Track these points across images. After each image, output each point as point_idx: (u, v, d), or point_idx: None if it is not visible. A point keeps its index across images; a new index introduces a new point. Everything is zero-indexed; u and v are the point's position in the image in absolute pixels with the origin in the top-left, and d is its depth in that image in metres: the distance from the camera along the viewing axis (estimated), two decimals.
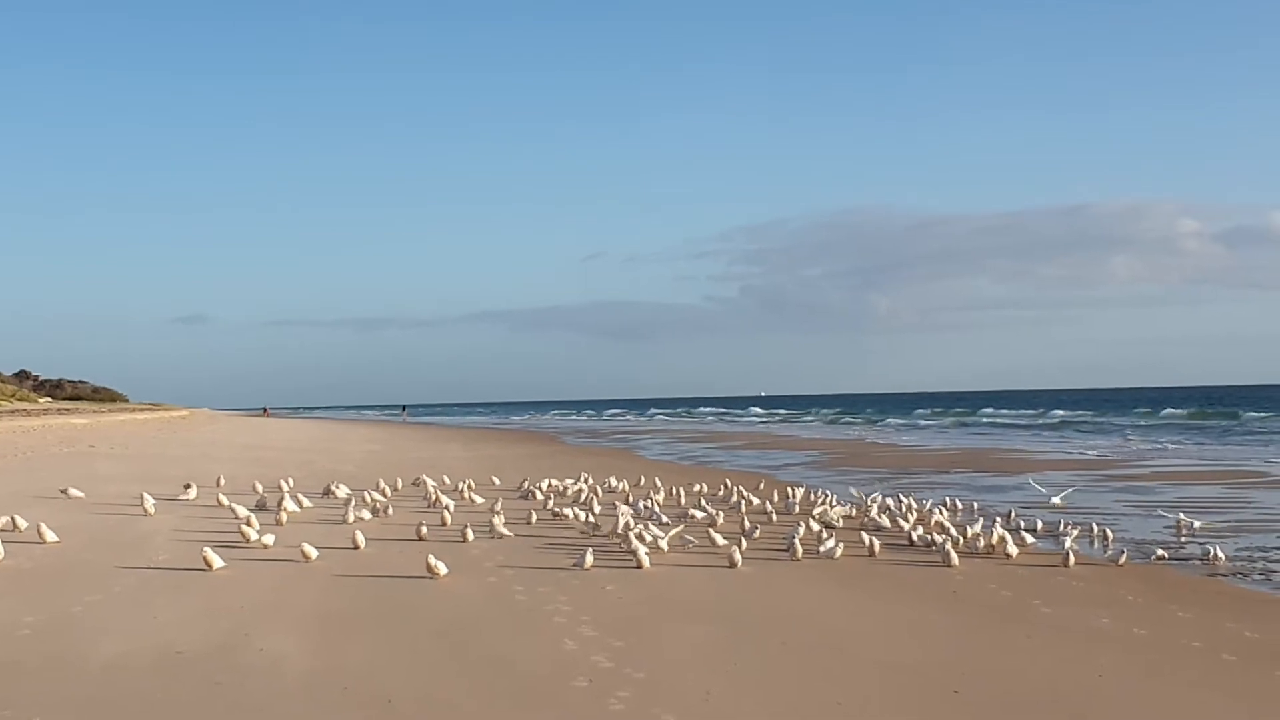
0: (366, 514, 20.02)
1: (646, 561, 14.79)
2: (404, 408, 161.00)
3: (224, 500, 21.11)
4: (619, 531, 17.10)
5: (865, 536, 16.74)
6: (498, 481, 27.64)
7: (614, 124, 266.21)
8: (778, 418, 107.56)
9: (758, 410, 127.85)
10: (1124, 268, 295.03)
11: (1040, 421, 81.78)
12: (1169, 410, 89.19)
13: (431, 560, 13.88)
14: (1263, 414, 79.31)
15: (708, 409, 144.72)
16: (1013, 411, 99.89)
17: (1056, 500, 23.40)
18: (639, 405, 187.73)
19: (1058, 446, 49.93)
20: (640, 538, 16.02)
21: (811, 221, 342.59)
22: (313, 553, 14.92)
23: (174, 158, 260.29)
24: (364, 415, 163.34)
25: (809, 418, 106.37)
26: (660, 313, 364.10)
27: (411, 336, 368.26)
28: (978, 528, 17.34)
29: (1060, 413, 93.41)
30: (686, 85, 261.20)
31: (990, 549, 16.34)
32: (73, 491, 22.04)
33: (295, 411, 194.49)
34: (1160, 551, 16.77)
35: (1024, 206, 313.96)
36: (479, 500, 22.93)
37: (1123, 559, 15.91)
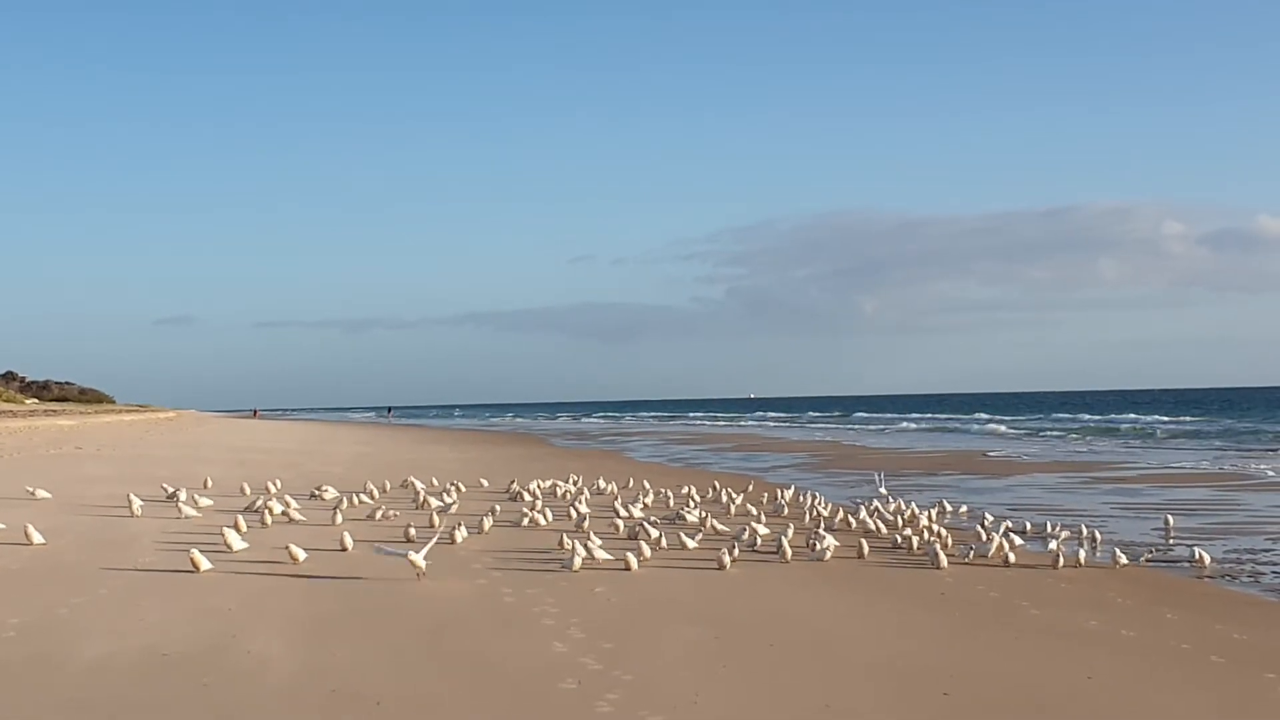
0: (356, 516, 19.93)
1: (634, 564, 14.79)
2: (389, 409, 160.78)
3: (201, 502, 21.07)
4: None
5: (829, 538, 16.63)
6: (486, 483, 27.57)
7: (601, 125, 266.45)
8: (747, 419, 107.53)
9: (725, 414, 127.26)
10: (1111, 270, 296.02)
11: (968, 427, 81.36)
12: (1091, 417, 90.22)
13: (420, 562, 13.83)
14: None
15: (663, 413, 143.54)
16: (939, 416, 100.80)
17: (882, 490, 23.67)
18: (626, 407, 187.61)
19: (1043, 449, 50.06)
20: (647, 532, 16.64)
21: (799, 223, 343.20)
22: (300, 554, 14.86)
23: (159, 159, 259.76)
24: (350, 417, 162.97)
25: (784, 419, 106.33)
26: (647, 314, 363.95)
27: (398, 338, 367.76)
28: (998, 538, 16.50)
29: (984, 415, 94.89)
30: (674, 86, 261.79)
31: (985, 557, 16.24)
32: (39, 493, 21.84)
33: (278, 413, 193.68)
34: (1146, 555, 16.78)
35: (1011, 208, 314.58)
36: (451, 501, 22.48)
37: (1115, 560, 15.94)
